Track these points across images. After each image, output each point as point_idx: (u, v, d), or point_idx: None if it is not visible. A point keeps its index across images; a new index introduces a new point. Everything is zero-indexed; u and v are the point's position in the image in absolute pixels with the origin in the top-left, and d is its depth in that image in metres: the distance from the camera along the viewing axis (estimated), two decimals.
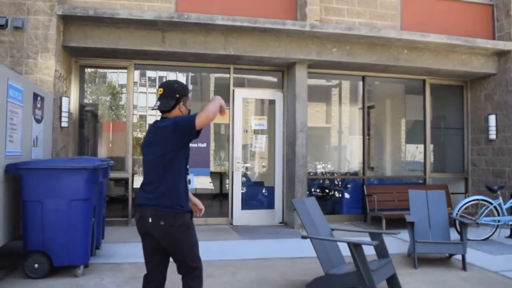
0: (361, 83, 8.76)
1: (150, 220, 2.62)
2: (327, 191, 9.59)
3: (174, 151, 2.66)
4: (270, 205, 8.08)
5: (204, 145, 7.66)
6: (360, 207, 8.59)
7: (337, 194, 9.39)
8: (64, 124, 6.51)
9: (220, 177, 11.82)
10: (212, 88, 10.44)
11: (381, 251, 4.40)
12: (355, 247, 3.83)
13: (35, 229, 4.44)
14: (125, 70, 7.46)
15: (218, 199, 11.25)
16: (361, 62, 7.71)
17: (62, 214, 4.47)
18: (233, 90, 7.78)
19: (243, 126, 7.82)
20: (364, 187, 8.33)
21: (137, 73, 7.89)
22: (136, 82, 8.57)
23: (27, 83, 5.24)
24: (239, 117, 7.76)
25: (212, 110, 2.61)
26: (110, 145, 8.34)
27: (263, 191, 8.51)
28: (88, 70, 7.90)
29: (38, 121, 5.47)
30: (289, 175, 7.78)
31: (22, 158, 4.82)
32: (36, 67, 6.15)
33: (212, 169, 14.13)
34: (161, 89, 2.82)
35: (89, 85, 8.29)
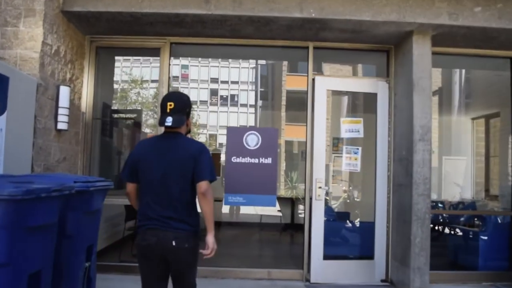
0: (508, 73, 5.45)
1: (173, 243, 2.36)
2: (436, 228, 6.36)
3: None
4: (367, 252, 4.96)
5: (269, 161, 4.79)
6: (505, 259, 5.21)
7: (450, 232, 6.15)
8: (61, 126, 4.08)
9: (291, 203, 9.02)
10: (279, 80, 7.64)
11: None
12: None
13: None
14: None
15: (288, 233, 8.37)
16: None
17: None
18: (313, 79, 4.88)
19: (328, 134, 4.89)
20: None
21: (176, 65, 5.40)
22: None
23: None
24: (322, 120, 4.81)
25: (212, 210, 2.48)
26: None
27: (357, 231, 5.46)
28: (117, 57, 5.54)
29: None
30: (400, 207, 4.69)
31: None
32: (17, 38, 3.79)
33: (280, 192, 11.36)
34: (172, 103, 2.48)
35: (116, 75, 5.88)
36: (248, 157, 4.73)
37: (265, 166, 4.76)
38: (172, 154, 2.44)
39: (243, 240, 7.55)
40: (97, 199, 3.07)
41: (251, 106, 31.94)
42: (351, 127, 4.91)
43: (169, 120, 2.44)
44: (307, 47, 4.91)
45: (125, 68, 6.22)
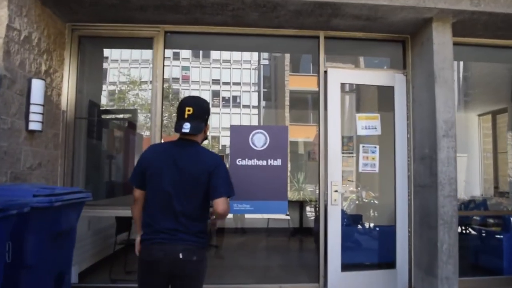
0: None
1: (181, 255, 2.19)
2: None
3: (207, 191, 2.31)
4: (388, 260, 4.54)
5: (278, 163, 4.34)
6: None
7: (462, 232, 5.67)
8: (34, 126, 3.52)
9: (299, 206, 8.61)
10: (281, 80, 7.32)
11: None
12: None
13: None
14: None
15: (298, 239, 7.95)
16: None
17: None
18: (325, 72, 4.44)
19: (342, 131, 4.47)
20: None
21: (176, 66, 4.94)
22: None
23: None
24: (336, 116, 4.36)
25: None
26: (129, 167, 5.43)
27: (376, 237, 5.02)
28: (107, 50, 5.09)
29: None
30: (423, 211, 4.25)
31: None
32: None
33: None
34: (191, 108, 2.30)
35: (107, 70, 5.44)
36: (254, 159, 4.28)
37: (274, 169, 4.30)
38: (185, 165, 2.26)
39: (250, 248, 7.09)
40: (68, 216, 2.58)
41: (254, 107, 31.55)
42: (367, 123, 4.49)
43: (186, 127, 2.26)
44: (318, 37, 4.47)
45: (116, 63, 5.77)
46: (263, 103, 21.96)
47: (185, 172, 2.25)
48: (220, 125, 31.35)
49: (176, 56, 31.45)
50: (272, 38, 4.63)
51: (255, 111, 30.82)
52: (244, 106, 33.43)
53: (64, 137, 4.20)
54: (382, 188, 5.74)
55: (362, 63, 5.82)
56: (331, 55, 4.73)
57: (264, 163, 4.27)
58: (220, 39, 4.75)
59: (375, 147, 4.47)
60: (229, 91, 34.71)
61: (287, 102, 17.11)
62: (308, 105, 19.25)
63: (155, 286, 2.24)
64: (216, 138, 29.93)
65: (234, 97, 34.73)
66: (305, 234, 7.92)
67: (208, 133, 2.54)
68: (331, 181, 4.30)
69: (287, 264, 5.81)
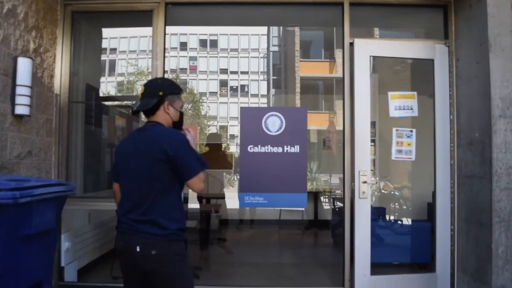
0: None
1: (138, 249, 1.98)
2: None
3: (170, 173, 2.04)
4: (423, 260, 3.86)
5: (296, 149, 3.62)
6: None
7: None
8: (22, 111, 2.97)
9: (314, 197, 7.90)
10: (291, 67, 6.58)
11: None
12: None
13: None
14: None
15: (313, 233, 7.25)
16: None
17: None
18: (351, 44, 3.66)
19: (372, 113, 3.71)
20: None
21: (183, 56, 4.22)
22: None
23: None
24: (365, 96, 3.59)
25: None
26: None
27: (410, 234, 4.29)
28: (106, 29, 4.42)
29: None
30: (471, 206, 3.49)
31: None
32: None
33: None
34: (143, 88, 2.21)
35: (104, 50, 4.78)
36: (268, 145, 3.61)
37: (291, 156, 3.61)
38: (143, 148, 2.08)
39: (260, 244, 6.41)
40: (42, 214, 2.04)
41: (262, 95, 30.74)
42: (401, 103, 3.72)
43: (136, 105, 2.21)
44: (341, 3, 3.71)
45: (124, 54, 5.10)
46: (272, 91, 21.21)
47: (142, 155, 2.05)
48: (228, 114, 30.65)
49: (183, 47, 30.77)
50: (287, 7, 3.93)
51: (264, 99, 30.04)
52: (253, 95, 32.69)
53: (58, 123, 3.63)
54: (413, 178, 5.01)
55: (408, 32, 5.03)
56: (355, 28, 3.95)
57: (280, 150, 3.61)
58: (227, 11, 4.08)
59: (411, 131, 3.71)
60: (237, 80, 33.89)
61: (297, 89, 16.37)
62: (320, 92, 18.49)
63: (132, 278, 2.11)
64: (224, 128, 29.25)
65: (242, 86, 33.90)
66: (321, 227, 7.25)
67: (171, 112, 2.17)
68: (359, 171, 3.57)
69: (304, 262, 5.12)
